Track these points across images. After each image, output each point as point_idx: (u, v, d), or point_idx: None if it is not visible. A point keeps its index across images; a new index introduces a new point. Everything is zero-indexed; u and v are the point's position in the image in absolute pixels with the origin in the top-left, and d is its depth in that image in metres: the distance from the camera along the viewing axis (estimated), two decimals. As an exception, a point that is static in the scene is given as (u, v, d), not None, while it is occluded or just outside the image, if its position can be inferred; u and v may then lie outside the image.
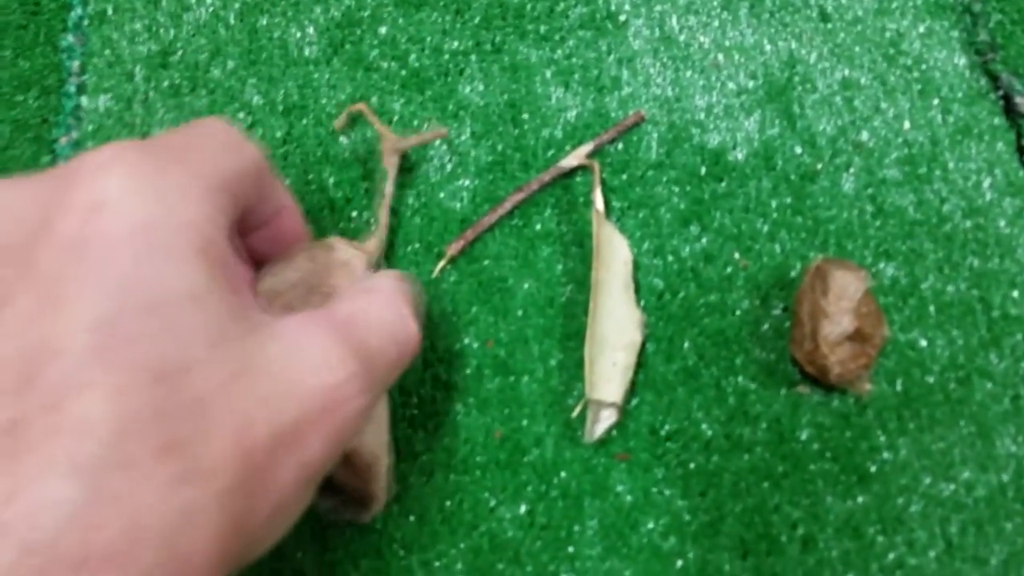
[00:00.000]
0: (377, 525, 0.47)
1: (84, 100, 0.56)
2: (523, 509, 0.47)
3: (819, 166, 0.57)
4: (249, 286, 0.35)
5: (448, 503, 0.47)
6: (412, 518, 0.47)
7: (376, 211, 0.50)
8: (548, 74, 0.58)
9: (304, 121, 0.56)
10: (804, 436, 0.49)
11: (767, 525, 0.48)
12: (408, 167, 0.56)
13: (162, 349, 0.27)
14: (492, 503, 0.47)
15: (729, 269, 0.53)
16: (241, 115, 0.57)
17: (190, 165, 0.32)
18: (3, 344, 0.26)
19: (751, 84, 0.58)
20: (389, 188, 0.51)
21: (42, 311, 0.27)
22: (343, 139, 0.55)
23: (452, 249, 0.52)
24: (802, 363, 0.50)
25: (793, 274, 0.54)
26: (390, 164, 0.51)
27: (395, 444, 0.47)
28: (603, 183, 0.55)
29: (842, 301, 0.49)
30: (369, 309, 0.35)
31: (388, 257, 0.53)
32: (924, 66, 0.59)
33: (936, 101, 0.59)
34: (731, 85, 0.58)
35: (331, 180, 0.54)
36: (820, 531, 0.48)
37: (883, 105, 0.59)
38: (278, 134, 0.56)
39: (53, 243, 0.28)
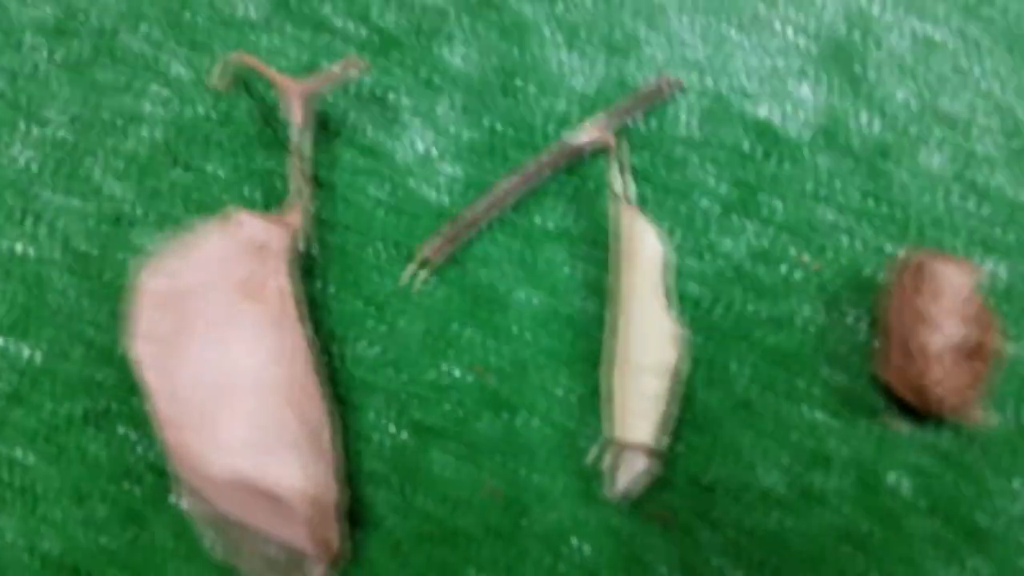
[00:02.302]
0: (331, 616, 0.42)
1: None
2: (526, 591, 0.42)
3: (894, 139, 0.52)
4: None
5: (425, 586, 0.43)
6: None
7: (292, 175, 0.47)
8: (548, 32, 0.54)
9: (239, 92, 0.52)
10: (896, 483, 0.44)
11: None
12: (371, 150, 0.51)
13: None
14: (484, 584, 0.43)
15: (788, 269, 0.48)
16: (157, 89, 0.52)
17: None
18: None
19: (805, 42, 0.54)
20: (300, 142, 0.47)
21: None
22: (285, 116, 0.50)
23: (429, 251, 0.48)
24: (895, 387, 0.45)
25: (869, 273, 0.48)
26: (296, 115, 0.47)
27: (350, 494, 0.43)
28: (624, 164, 0.49)
29: (944, 301, 0.43)
30: None
31: (322, 241, 0.49)
32: (1013, 17, 0.55)
33: (1031, 60, 0.55)
34: (781, 43, 0.54)
35: (271, 166, 0.50)
36: None
37: (966, 65, 0.54)
38: (201, 111, 0.51)
39: None
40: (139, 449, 0.43)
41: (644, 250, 0.46)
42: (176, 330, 0.40)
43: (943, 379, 0.42)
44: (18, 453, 0.43)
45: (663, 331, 0.45)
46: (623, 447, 0.43)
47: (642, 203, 0.50)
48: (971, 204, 0.50)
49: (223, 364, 0.39)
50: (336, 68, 0.48)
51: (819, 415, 0.45)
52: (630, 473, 0.43)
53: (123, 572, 0.41)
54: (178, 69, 0.52)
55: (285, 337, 0.41)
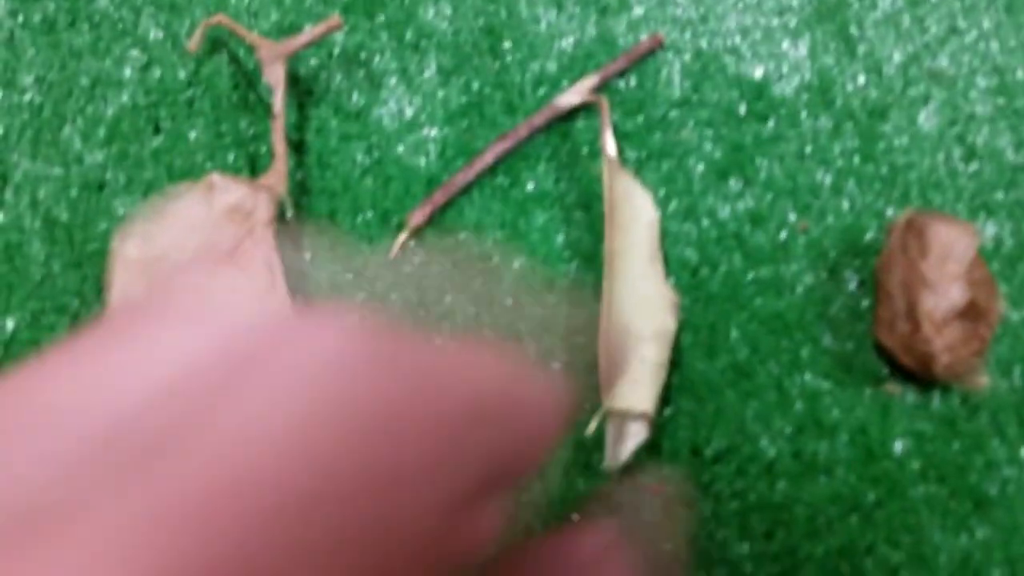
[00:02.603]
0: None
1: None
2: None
3: (890, 100, 0.51)
4: None
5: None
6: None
7: (275, 140, 0.46)
8: (536, -8, 0.53)
9: (216, 58, 0.51)
10: (899, 450, 0.43)
11: (859, 574, 0.41)
12: (356, 115, 0.49)
13: None
14: (481, 559, 0.39)
15: (784, 234, 0.47)
16: (135, 53, 0.51)
17: None
18: None
19: (798, 1, 0.53)
20: (280, 106, 0.46)
21: None
22: (265, 77, 0.48)
23: (416, 218, 0.47)
24: (893, 352, 0.44)
25: (869, 237, 0.47)
26: (274, 77, 0.46)
27: None
28: (614, 127, 0.48)
29: (948, 265, 0.42)
30: None
31: (307, 207, 0.47)
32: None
33: (1028, 18, 0.53)
34: (774, 2, 0.53)
35: (250, 131, 0.49)
36: None
37: (961, 24, 0.53)
38: (182, 75, 0.50)
39: None
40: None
41: (637, 212, 0.45)
42: None
43: (950, 345, 0.42)
44: None
45: (659, 296, 0.44)
46: (621, 416, 0.42)
47: (635, 167, 0.48)
48: (970, 166, 0.49)
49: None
50: (314, 29, 0.47)
51: (821, 382, 0.45)
52: (629, 442, 0.42)
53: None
54: (156, 33, 0.51)
55: (270, 307, 0.39)
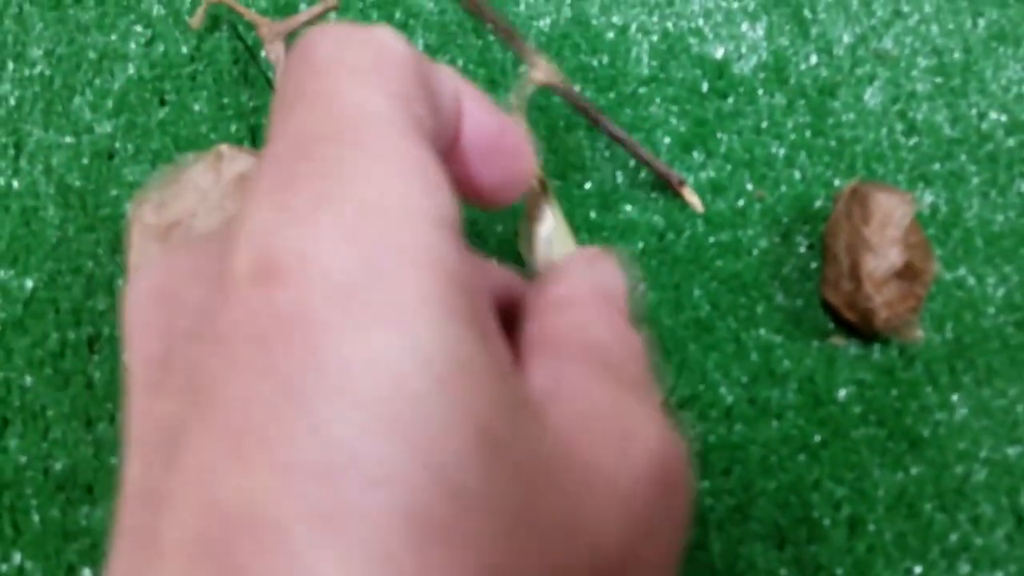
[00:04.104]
0: None
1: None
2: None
3: (839, 79, 0.52)
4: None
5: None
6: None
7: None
8: (515, -25, 0.53)
9: (217, 34, 0.51)
10: (843, 396, 0.45)
11: (806, 506, 0.43)
12: None
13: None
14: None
15: (742, 201, 0.49)
16: (139, 28, 0.51)
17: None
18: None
19: None
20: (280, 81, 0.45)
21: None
22: (265, 54, 0.48)
23: None
24: (838, 308, 0.45)
25: (818, 204, 0.49)
26: (275, 54, 0.47)
27: None
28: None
29: (888, 230, 0.44)
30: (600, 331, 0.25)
31: None
32: (948, -36, 0.56)
33: (965, 3, 0.55)
34: None
35: (251, 104, 0.50)
36: (869, 510, 0.43)
37: (905, 9, 0.54)
38: (184, 50, 0.50)
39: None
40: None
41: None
42: None
43: (888, 302, 0.43)
44: (26, 380, 0.43)
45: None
46: None
47: (604, 140, 0.49)
48: (910, 139, 0.51)
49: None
50: (313, 8, 0.48)
51: (773, 336, 0.46)
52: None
53: (132, 489, 0.42)
54: (159, 9, 0.51)
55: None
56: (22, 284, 0.45)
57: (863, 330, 0.45)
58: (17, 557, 0.41)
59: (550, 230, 0.33)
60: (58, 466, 0.42)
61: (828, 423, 0.45)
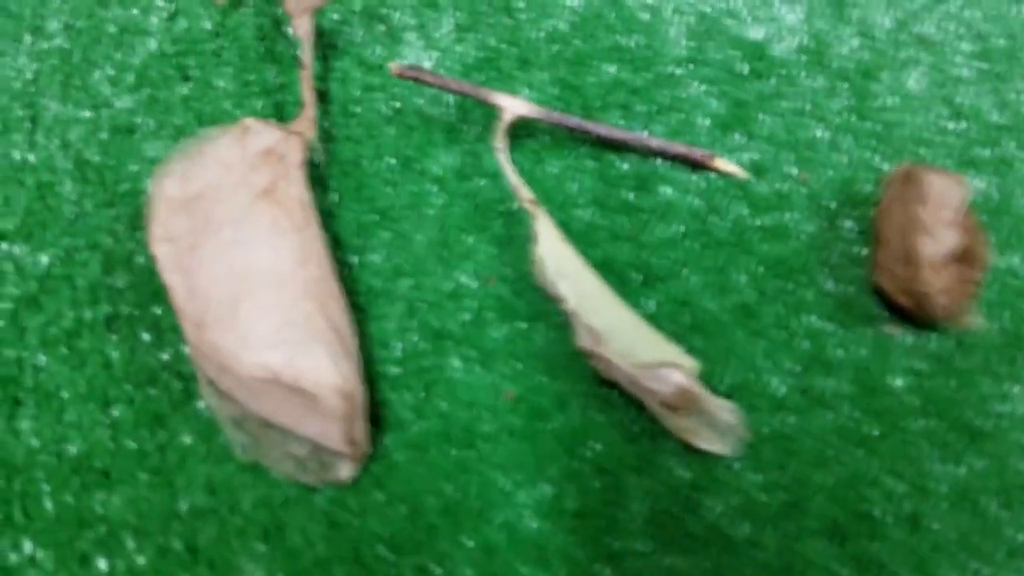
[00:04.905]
0: (354, 520, 0.40)
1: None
2: (548, 492, 0.41)
3: (881, 62, 0.51)
4: None
5: (448, 488, 0.41)
6: (402, 509, 0.40)
7: (304, 88, 0.45)
8: (547, -46, 0.52)
9: (242, 10, 0.50)
10: (899, 386, 0.43)
11: (864, 502, 0.41)
12: (378, 68, 0.49)
13: None
14: (506, 485, 0.41)
15: (785, 185, 0.47)
16: (160, 3, 0.50)
17: None
18: None
19: None
20: (307, 56, 0.45)
21: None
22: (291, 30, 0.46)
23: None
24: (892, 294, 0.43)
25: (865, 189, 0.47)
26: (302, 28, 0.45)
27: (371, 398, 0.42)
28: (623, 83, 0.47)
29: (944, 212, 0.42)
30: None
31: (332, 154, 0.47)
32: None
33: (1008, -11, 0.53)
34: None
35: (276, 81, 0.48)
36: (930, 507, 0.41)
37: None
38: (208, 26, 0.49)
39: None
40: (162, 356, 0.41)
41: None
42: (193, 230, 0.38)
43: (946, 288, 0.41)
44: (40, 359, 0.41)
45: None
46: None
47: (645, 119, 0.48)
48: (956, 125, 0.49)
49: (245, 262, 0.37)
50: None
51: (824, 324, 0.44)
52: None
53: (150, 474, 0.40)
54: None
55: (307, 242, 0.39)
56: (36, 260, 0.43)
57: (918, 317, 0.43)
58: (28, 545, 0.38)
59: (550, 250, 0.40)
60: (73, 450, 0.40)
61: (884, 415, 0.43)
